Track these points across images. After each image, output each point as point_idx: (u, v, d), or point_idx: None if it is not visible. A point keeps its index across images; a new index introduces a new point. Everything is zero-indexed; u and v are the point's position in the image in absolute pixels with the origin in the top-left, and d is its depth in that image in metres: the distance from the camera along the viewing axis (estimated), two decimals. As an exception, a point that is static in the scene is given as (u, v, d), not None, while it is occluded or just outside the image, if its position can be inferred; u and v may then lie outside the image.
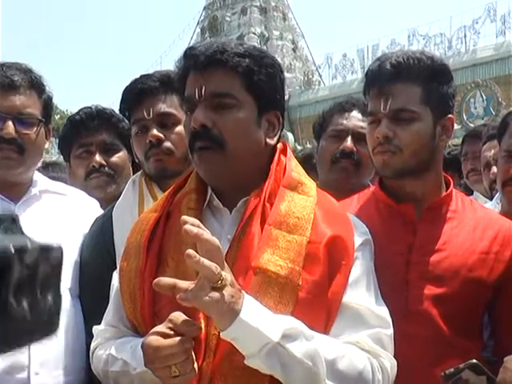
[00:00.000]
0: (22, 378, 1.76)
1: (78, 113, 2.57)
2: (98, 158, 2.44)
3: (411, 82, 1.69)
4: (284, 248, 1.38)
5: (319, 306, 1.37)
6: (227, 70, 1.43)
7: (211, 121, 1.43)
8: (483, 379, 1.49)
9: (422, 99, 1.69)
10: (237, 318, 1.22)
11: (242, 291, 1.27)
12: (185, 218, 1.21)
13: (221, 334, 1.25)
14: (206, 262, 1.18)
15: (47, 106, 1.97)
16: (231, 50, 1.43)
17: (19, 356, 1.75)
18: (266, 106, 1.48)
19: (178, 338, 1.28)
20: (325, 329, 1.39)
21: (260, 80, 1.45)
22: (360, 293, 1.44)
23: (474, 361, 1.49)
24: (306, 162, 3.31)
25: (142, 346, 1.34)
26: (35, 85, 1.92)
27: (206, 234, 1.21)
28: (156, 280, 1.21)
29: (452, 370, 1.48)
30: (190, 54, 1.47)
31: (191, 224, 1.19)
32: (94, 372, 1.60)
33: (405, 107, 1.68)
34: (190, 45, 1.57)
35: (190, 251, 1.16)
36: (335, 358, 1.33)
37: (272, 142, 1.51)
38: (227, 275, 1.22)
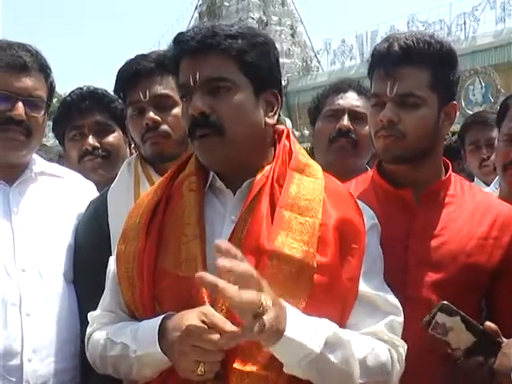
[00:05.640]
0: (15, 364, 1.74)
1: (69, 94, 2.54)
2: (90, 140, 2.40)
3: (420, 66, 1.66)
4: (297, 230, 1.37)
5: (334, 290, 1.37)
6: (220, 53, 1.41)
7: (209, 106, 1.41)
8: (457, 320, 1.50)
9: (429, 84, 1.67)
10: (282, 337, 1.22)
11: (283, 305, 1.25)
12: (218, 244, 1.17)
13: (263, 347, 1.25)
14: (246, 296, 1.15)
15: (51, 89, 1.96)
16: (222, 33, 1.41)
17: (12, 342, 1.74)
18: (263, 85, 1.46)
19: (221, 337, 1.24)
20: (341, 316, 1.39)
21: (253, 60, 1.43)
22: (374, 281, 1.45)
23: (444, 302, 1.50)
24: None
25: (174, 327, 1.29)
26: (43, 68, 1.91)
27: (242, 265, 1.17)
28: (199, 274, 1.15)
29: (427, 317, 1.50)
30: (180, 40, 1.44)
31: (225, 249, 1.16)
32: (89, 359, 1.57)
33: (412, 92, 1.66)
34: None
35: (231, 293, 1.13)
36: (365, 356, 1.35)
37: (271, 121, 1.49)
38: (267, 296, 1.19)
